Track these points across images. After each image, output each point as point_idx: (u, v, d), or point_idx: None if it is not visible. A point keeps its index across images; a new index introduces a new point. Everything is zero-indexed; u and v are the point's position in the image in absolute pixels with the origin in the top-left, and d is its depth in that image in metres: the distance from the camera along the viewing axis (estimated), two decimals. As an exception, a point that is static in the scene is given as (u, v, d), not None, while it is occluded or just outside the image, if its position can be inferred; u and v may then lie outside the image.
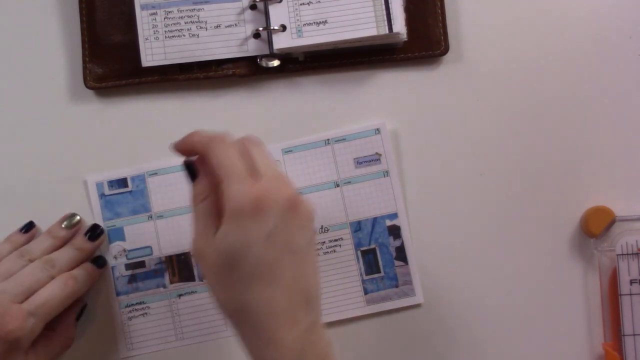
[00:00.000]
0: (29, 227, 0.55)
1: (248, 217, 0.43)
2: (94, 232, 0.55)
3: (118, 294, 0.55)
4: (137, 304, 0.56)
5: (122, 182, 0.56)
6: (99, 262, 0.55)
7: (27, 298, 0.49)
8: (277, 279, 0.44)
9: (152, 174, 0.56)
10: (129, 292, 0.55)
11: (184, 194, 0.56)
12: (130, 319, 0.55)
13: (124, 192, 0.56)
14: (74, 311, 0.53)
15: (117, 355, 0.55)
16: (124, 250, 0.56)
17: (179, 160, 0.56)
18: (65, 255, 0.53)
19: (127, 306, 0.56)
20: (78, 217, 0.55)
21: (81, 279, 0.52)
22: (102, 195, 0.56)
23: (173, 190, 0.56)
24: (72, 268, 0.53)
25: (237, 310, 0.44)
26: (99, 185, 0.56)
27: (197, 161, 0.47)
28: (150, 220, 0.56)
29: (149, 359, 0.55)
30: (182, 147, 0.47)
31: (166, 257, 0.56)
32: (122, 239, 0.56)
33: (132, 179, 0.56)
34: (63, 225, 0.54)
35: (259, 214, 0.43)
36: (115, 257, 0.56)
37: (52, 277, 0.51)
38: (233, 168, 0.44)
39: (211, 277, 0.45)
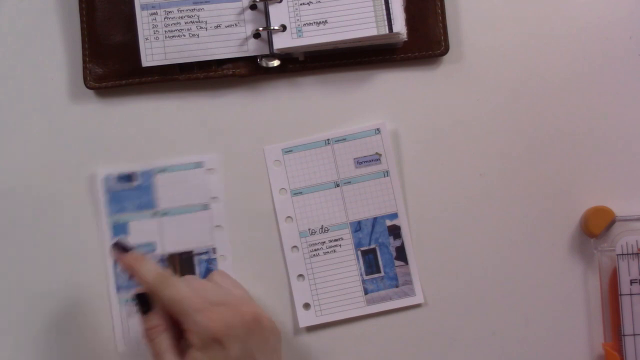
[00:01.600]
0: None
1: (214, 348, 0.45)
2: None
3: (118, 289, 0.55)
4: None
5: (129, 177, 0.56)
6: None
7: None
8: None
9: (161, 171, 0.56)
10: (130, 288, 0.55)
11: (190, 192, 0.56)
12: (129, 314, 0.55)
13: (131, 188, 0.56)
14: None
15: (114, 350, 0.55)
16: None
17: (187, 158, 0.56)
18: None
19: (127, 302, 0.55)
20: None
21: None
22: (108, 190, 0.56)
23: (179, 188, 0.56)
24: None
25: None
26: (108, 179, 0.56)
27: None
28: (155, 217, 0.56)
29: (146, 355, 0.55)
30: (126, 268, 0.49)
31: (169, 254, 0.56)
32: (126, 233, 0.55)
33: (141, 174, 0.56)
34: None
35: (224, 342, 0.45)
36: None
37: None
38: (188, 301, 0.46)
39: None
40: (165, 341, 0.47)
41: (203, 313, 0.46)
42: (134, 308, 0.49)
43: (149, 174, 0.56)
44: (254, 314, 0.47)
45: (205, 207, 0.56)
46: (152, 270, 0.48)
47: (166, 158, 0.56)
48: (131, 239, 0.55)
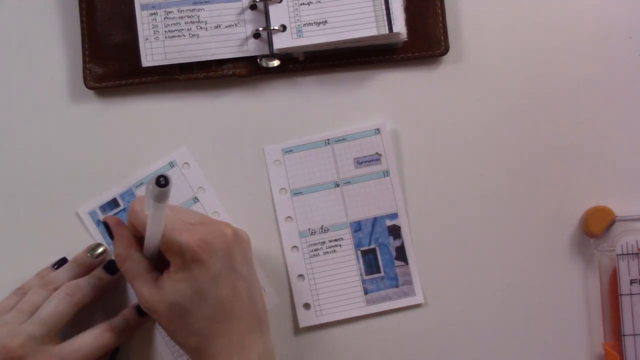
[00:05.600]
0: (61, 263, 0.54)
1: (195, 267, 0.44)
2: (112, 267, 0.53)
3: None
4: None
5: (113, 203, 0.55)
6: (110, 268, 0.53)
7: (49, 332, 0.48)
8: (231, 312, 0.46)
9: (139, 185, 0.56)
10: None
11: (175, 194, 0.55)
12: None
13: (118, 212, 0.55)
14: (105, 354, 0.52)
15: None
16: None
17: (159, 162, 0.55)
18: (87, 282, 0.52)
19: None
20: (103, 247, 0.54)
21: (85, 285, 0.51)
22: (98, 222, 0.55)
23: None
24: (94, 296, 0.52)
25: (195, 348, 0.46)
26: (93, 214, 0.55)
27: (110, 220, 0.49)
28: None
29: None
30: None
31: None
32: None
33: (122, 196, 0.55)
34: (88, 255, 0.53)
35: (205, 261, 0.44)
36: None
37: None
38: (167, 222, 0.45)
39: (167, 325, 0.46)
40: (136, 266, 0.46)
41: (182, 232, 0.45)
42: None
43: (129, 193, 0.55)
44: (232, 230, 0.47)
45: (196, 200, 0.55)
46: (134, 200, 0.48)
47: (163, 158, 0.56)
48: None
